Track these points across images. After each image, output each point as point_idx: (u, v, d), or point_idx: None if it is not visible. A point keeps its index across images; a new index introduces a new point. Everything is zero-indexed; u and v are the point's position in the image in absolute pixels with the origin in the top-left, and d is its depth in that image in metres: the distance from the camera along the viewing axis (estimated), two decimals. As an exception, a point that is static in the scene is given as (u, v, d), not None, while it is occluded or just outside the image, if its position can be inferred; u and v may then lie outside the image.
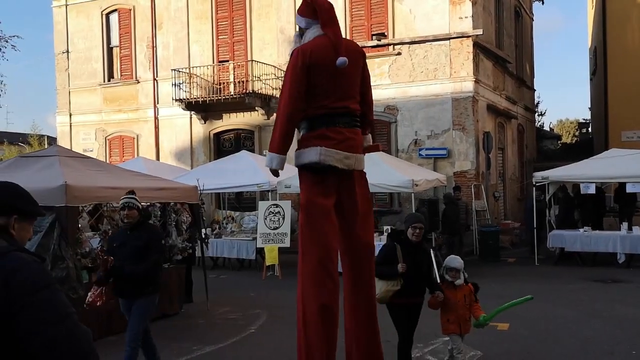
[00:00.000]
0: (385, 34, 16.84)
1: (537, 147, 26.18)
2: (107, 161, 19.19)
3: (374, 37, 16.88)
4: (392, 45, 16.72)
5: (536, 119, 30.20)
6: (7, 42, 31.87)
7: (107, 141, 21.02)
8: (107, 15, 20.79)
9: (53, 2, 21.52)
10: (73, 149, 17.27)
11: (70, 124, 21.52)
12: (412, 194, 12.38)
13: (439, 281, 5.82)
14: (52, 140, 35.64)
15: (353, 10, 17.27)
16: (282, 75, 17.85)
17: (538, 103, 32.36)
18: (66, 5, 21.22)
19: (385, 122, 16.96)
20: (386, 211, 16.60)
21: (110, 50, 20.89)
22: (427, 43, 16.30)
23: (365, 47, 16.93)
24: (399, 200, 16.51)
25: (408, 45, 16.52)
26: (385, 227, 13.26)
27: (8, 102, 70.39)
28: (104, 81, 20.84)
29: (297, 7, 17.72)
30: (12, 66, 73.14)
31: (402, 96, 16.60)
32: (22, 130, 45.68)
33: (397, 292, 5.24)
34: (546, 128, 35.57)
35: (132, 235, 5.38)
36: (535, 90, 26.30)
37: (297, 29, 4.61)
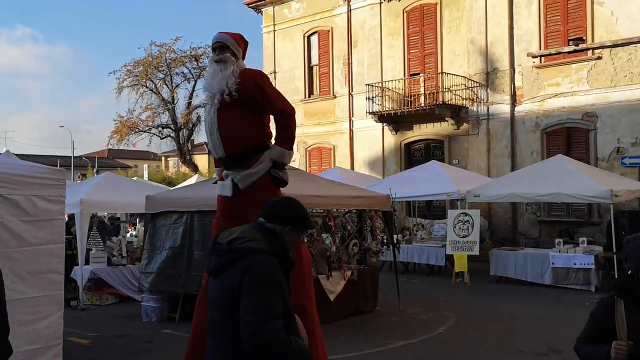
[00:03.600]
0: (584, 38, 16.16)
1: None
2: (307, 170, 20.99)
3: (571, 42, 16.28)
4: (591, 50, 15.99)
5: None
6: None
7: (307, 152, 22.93)
8: (309, 37, 22.76)
9: (263, 29, 24.14)
10: (279, 160, 19.29)
11: (276, 137, 23.83)
12: (611, 205, 11.84)
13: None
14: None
15: (548, 15, 16.85)
16: (473, 85, 18.08)
17: None
18: (274, 31, 23.67)
19: (583, 129, 16.26)
20: (584, 222, 15.89)
21: (310, 69, 22.81)
22: (631, 45, 15.31)
23: (561, 52, 16.45)
24: (599, 211, 15.67)
25: (609, 48, 15.67)
26: (580, 239, 12.82)
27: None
28: (305, 97, 22.80)
29: (488, 18, 17.69)
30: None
31: (603, 102, 15.77)
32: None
33: None
34: None
35: None
36: None
37: (223, 52, 4.72)
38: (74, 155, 47.09)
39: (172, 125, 35.90)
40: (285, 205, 2.84)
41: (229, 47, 4.72)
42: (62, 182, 6.00)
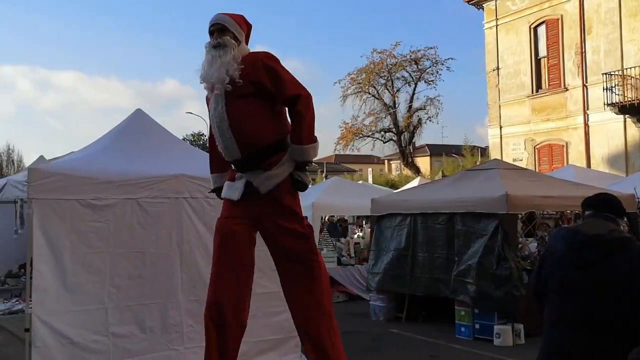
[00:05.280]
0: None
1: None
2: (536, 170, 19.75)
3: None
4: None
5: None
6: (442, 64, 36.25)
7: (536, 150, 21.58)
8: (535, 28, 21.42)
9: (484, 25, 23.37)
10: (503, 159, 18.49)
11: (501, 135, 22.90)
12: None
13: None
14: (482, 151, 38.21)
15: None
16: None
17: None
18: (496, 26, 22.77)
19: None
20: None
21: (537, 61, 21.43)
22: None
23: None
24: None
25: None
26: None
27: (441, 118, 78.52)
28: (532, 92, 21.49)
29: None
30: (445, 84, 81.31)
31: None
32: (454, 142, 50.26)
33: None
34: None
35: None
36: None
37: (221, 36, 4.07)
38: (306, 161, 50.74)
39: (393, 129, 36.66)
40: (618, 201, 3.09)
41: (229, 29, 4.09)
42: (296, 187, 6.51)
